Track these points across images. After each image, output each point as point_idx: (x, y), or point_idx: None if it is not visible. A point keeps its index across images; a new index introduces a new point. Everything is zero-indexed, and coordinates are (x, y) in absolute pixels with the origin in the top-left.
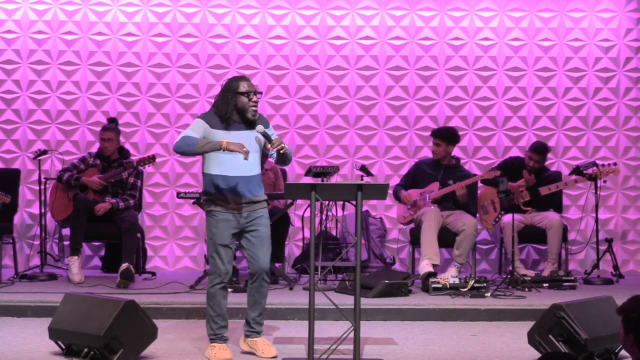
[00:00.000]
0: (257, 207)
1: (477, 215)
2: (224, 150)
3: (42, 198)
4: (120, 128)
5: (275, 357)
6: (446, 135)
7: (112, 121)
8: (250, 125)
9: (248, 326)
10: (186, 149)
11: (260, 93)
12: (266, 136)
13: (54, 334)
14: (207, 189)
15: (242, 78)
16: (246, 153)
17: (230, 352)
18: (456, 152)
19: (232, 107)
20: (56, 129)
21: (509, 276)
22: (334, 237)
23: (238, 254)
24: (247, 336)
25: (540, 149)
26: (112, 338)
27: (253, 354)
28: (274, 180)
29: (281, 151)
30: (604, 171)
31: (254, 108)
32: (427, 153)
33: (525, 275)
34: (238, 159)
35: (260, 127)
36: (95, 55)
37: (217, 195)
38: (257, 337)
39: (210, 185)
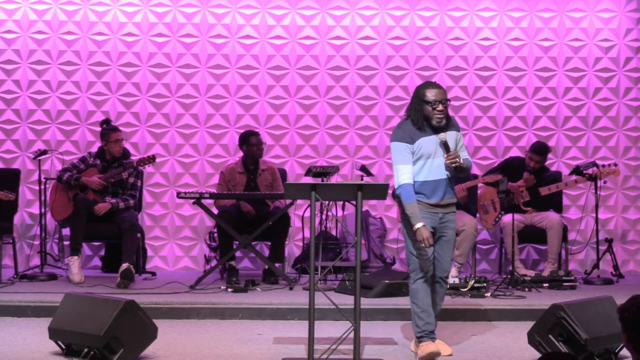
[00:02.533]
0: (449, 210)
1: (477, 215)
2: (414, 228)
3: (42, 198)
4: (121, 128)
5: (451, 354)
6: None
7: (107, 122)
8: (436, 130)
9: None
10: (403, 201)
11: (448, 100)
12: (445, 146)
13: (54, 334)
14: None
15: (430, 85)
16: (426, 246)
17: (437, 345)
18: None
19: (421, 114)
20: (56, 129)
21: (509, 276)
22: (334, 237)
23: (238, 254)
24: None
25: (540, 150)
26: (112, 338)
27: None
28: (271, 181)
29: (453, 165)
30: (604, 172)
31: (438, 116)
32: None
33: (525, 275)
34: (432, 165)
35: (442, 135)
36: (95, 55)
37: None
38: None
39: None
